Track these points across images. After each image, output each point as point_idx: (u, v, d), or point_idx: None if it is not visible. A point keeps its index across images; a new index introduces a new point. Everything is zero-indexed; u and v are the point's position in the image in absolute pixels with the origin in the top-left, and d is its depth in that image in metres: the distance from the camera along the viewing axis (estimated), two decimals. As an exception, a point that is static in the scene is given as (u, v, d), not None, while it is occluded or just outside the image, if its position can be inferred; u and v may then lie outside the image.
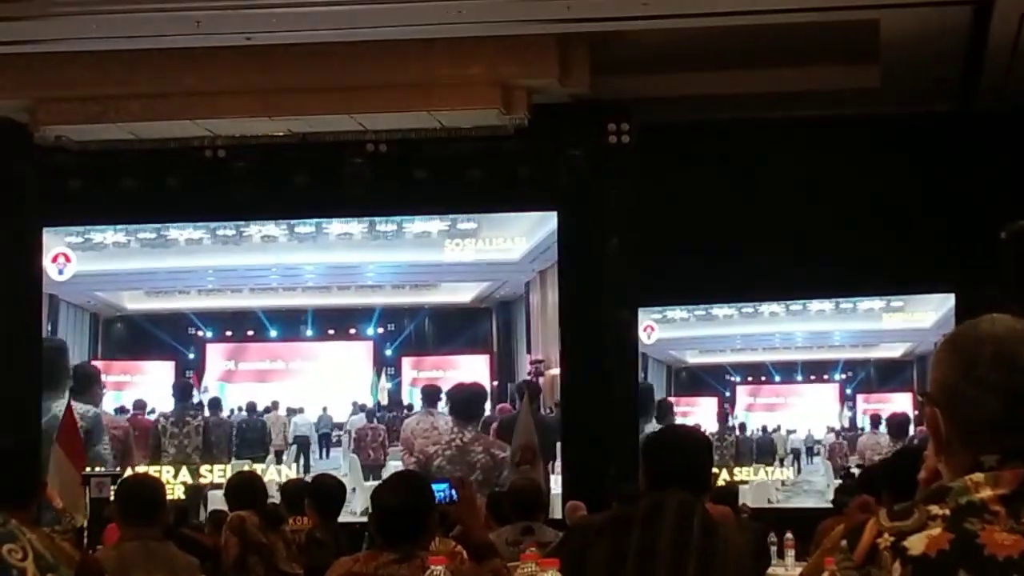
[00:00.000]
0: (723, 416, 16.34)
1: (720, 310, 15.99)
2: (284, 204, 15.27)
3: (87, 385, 15.57)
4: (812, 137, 14.67)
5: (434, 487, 4.96)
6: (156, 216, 15.66)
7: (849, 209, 14.65)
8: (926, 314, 15.47)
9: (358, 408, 16.52)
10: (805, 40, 13.44)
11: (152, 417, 16.22)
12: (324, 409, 16.72)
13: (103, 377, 16.06)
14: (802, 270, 14.63)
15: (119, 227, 15.98)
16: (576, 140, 14.62)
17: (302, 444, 16.57)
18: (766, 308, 15.90)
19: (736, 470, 15.81)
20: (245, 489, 8.07)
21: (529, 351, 15.95)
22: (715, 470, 12.45)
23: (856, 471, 14.16)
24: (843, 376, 16.20)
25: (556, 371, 15.25)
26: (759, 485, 15.87)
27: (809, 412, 16.30)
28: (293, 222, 15.90)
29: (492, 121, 14.17)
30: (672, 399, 16.01)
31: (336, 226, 15.98)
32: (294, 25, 12.64)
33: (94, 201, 15.12)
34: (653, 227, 14.61)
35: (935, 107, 14.50)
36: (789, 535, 9.83)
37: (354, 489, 14.41)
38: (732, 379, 16.42)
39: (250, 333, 16.89)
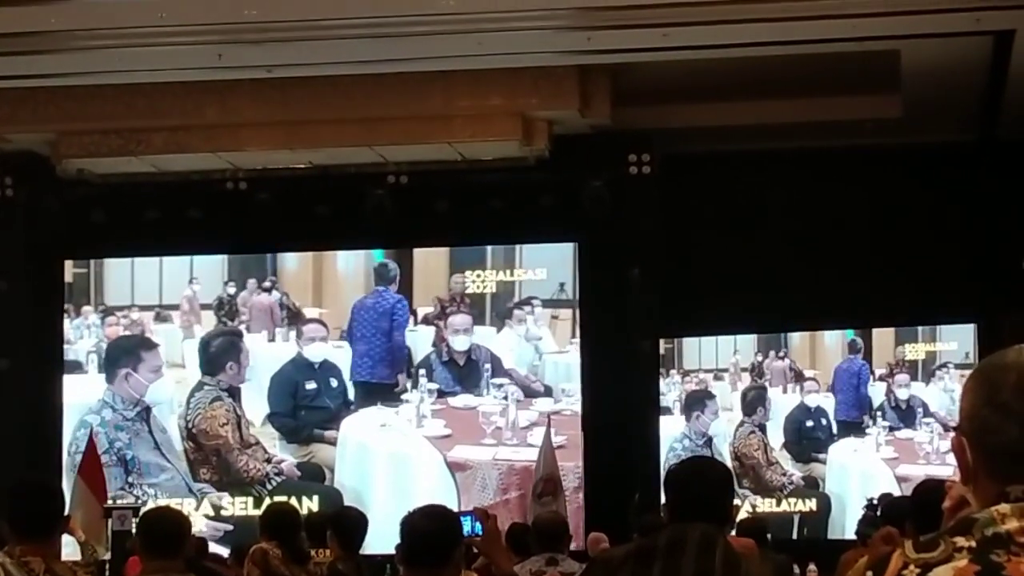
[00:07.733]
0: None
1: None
2: (306, 236, 15.30)
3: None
4: (833, 167, 14.66)
5: (458, 519, 4.94)
6: (178, 249, 15.70)
7: (870, 239, 14.64)
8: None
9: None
10: (826, 71, 13.43)
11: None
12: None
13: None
14: (823, 300, 14.60)
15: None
16: (597, 171, 14.62)
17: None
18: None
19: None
20: (279, 520, 8.02)
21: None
22: (737, 502, 12.40)
23: (878, 502, 14.07)
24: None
25: None
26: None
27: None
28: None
29: (513, 152, 14.20)
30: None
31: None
32: (315, 58, 12.67)
33: (116, 234, 15.17)
34: (675, 258, 14.60)
35: (956, 137, 14.46)
36: (812, 567, 9.80)
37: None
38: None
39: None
